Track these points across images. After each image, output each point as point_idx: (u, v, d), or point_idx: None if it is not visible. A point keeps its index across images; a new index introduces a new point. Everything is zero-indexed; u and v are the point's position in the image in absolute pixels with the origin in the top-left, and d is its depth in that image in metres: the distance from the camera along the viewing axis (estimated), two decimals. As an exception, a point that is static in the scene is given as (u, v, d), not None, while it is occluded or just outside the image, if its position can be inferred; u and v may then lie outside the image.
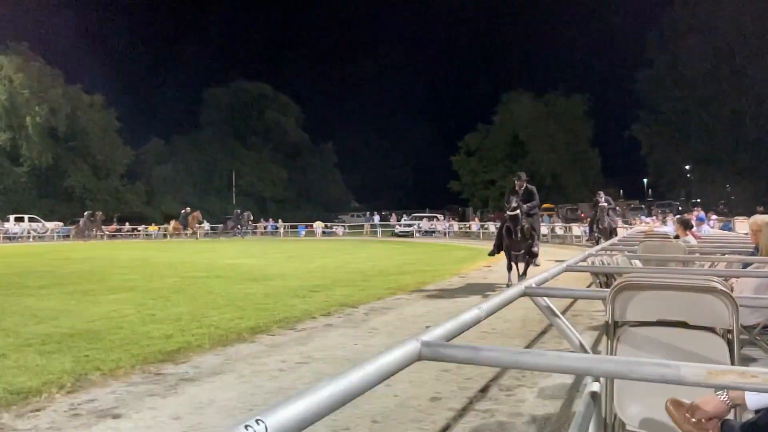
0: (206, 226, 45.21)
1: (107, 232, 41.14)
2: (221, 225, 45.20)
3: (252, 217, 44.38)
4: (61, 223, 43.10)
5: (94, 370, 5.02)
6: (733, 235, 13.52)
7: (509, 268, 11.13)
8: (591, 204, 18.79)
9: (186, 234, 41.51)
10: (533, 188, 11.13)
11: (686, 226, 7.96)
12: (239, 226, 43.09)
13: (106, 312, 8.01)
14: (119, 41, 76.79)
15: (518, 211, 10.44)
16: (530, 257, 10.99)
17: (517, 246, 10.71)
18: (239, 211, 44.61)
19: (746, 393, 1.85)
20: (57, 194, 51.12)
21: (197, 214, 43.30)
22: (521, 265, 11.19)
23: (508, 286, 9.64)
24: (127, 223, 44.40)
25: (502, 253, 11.30)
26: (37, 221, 41.20)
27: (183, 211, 43.62)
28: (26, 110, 48.01)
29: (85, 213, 40.33)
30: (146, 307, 8.42)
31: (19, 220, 40.59)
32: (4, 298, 9.59)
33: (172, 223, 43.67)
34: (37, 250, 26.72)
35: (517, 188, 10.77)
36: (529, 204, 10.73)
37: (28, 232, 39.62)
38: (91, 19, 68.97)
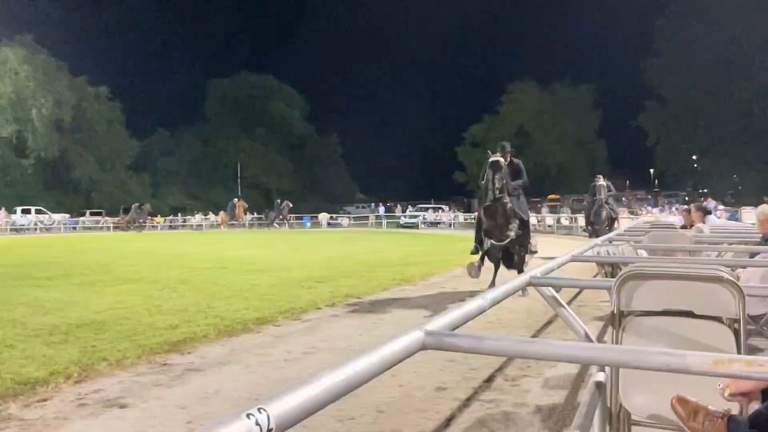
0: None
1: (156, 223, 41.96)
2: (263, 215, 45.64)
3: (291, 206, 44.45)
4: (67, 215, 43.33)
5: (100, 360, 5.05)
6: (740, 225, 13.44)
7: (481, 259, 8.88)
8: (590, 191, 15.56)
9: (235, 223, 42.19)
10: (520, 163, 9.09)
11: (705, 212, 7.95)
12: (280, 217, 43.36)
13: (112, 303, 8.05)
14: (124, 33, 76.69)
15: (504, 197, 8.34)
16: (522, 248, 8.99)
17: (512, 229, 8.44)
18: (279, 201, 44.86)
19: None
20: (63, 186, 51.34)
21: (242, 203, 43.84)
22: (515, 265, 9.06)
23: (476, 263, 8.53)
24: (124, 216, 44.65)
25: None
26: (43, 213, 41.40)
27: (230, 202, 44.23)
28: (32, 102, 48.08)
29: (133, 205, 40.95)
30: (152, 298, 8.45)
31: (26, 212, 40.79)
32: (11, 289, 9.64)
33: (221, 214, 44.21)
34: (43, 241, 26.85)
35: (501, 164, 8.39)
36: (515, 183, 8.79)
37: (35, 224, 39.82)
38: (96, 10, 68.88)
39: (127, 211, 42.11)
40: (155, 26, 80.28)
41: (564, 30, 72.76)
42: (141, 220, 40.33)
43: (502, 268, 9.21)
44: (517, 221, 8.52)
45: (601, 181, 14.78)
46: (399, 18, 77.36)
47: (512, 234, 8.32)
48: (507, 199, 8.44)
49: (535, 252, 9.34)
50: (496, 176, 8.23)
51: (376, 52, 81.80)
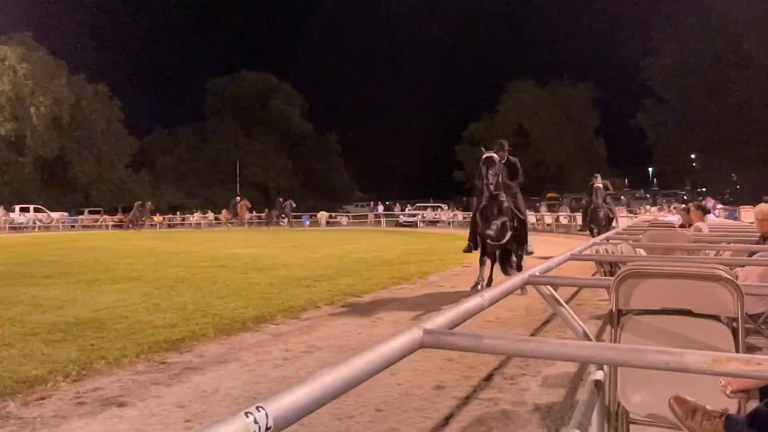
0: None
1: (156, 222, 41.92)
2: (264, 214, 45.66)
3: (294, 205, 44.47)
4: (66, 213, 43.24)
5: (99, 358, 5.05)
6: (738, 223, 13.47)
7: (482, 263, 8.77)
8: (587, 190, 15.82)
9: (234, 223, 42.26)
10: (516, 161, 8.92)
11: (704, 211, 8.04)
12: (283, 215, 43.41)
13: (111, 301, 8.05)
14: (123, 31, 76.61)
15: (499, 191, 8.21)
16: (520, 247, 8.91)
17: (501, 225, 8.25)
18: (281, 199, 44.91)
19: None
20: (62, 184, 51.22)
21: (245, 201, 43.83)
22: (511, 266, 8.99)
23: (476, 286, 8.38)
24: (126, 214, 44.63)
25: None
26: (42, 211, 41.32)
27: (233, 200, 44.28)
28: (30, 100, 47.97)
29: (136, 203, 41.00)
30: (151, 297, 8.45)
31: (25, 210, 40.69)
32: (9, 287, 9.63)
33: (223, 212, 44.31)
34: (42, 240, 26.82)
35: (494, 159, 8.23)
36: (512, 182, 8.68)
37: (34, 222, 39.76)
38: (95, 8, 68.80)
39: (126, 209, 42.09)
40: (154, 24, 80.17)
41: (563, 29, 72.89)
42: (143, 219, 40.34)
43: (498, 271, 9.07)
44: (506, 218, 8.35)
45: (598, 183, 14.70)
46: (398, 16, 77.31)
47: (492, 234, 8.18)
48: (503, 197, 8.33)
49: (531, 253, 9.20)
50: (490, 171, 8.11)
51: (375, 50, 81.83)
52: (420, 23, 79.01)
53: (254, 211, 46.01)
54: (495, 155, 8.28)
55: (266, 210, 46.22)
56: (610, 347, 1.49)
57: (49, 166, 50.68)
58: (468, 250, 9.08)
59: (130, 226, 39.20)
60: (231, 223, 42.99)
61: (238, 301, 8.01)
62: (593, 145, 58.84)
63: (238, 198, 45.18)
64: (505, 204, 8.34)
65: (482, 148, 8.57)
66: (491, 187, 8.12)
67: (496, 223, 8.18)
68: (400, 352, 1.23)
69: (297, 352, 5.43)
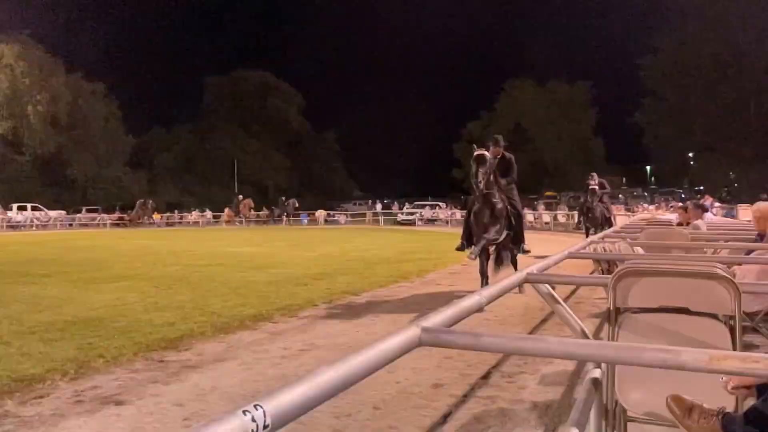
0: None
1: (157, 221, 41.85)
2: (266, 212, 45.76)
3: (297, 205, 44.63)
4: (63, 212, 43.16)
5: (97, 357, 5.05)
6: (736, 222, 13.47)
7: (483, 272, 8.45)
8: (583, 189, 15.81)
9: (238, 221, 42.30)
10: (512, 157, 8.76)
11: (702, 210, 8.09)
12: (285, 214, 43.55)
13: (109, 300, 8.04)
14: (121, 29, 76.41)
15: (493, 189, 8.08)
16: (515, 246, 8.84)
17: (494, 233, 8.14)
18: (284, 198, 45.00)
19: None
20: (59, 183, 51.10)
21: (248, 201, 43.87)
22: (505, 263, 8.93)
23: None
24: (129, 212, 44.59)
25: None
26: (39, 210, 41.24)
27: (235, 199, 44.29)
28: (28, 99, 47.87)
29: (138, 201, 40.93)
30: (149, 295, 8.45)
31: (22, 208, 40.58)
32: (7, 286, 9.62)
33: (226, 210, 44.37)
34: (40, 238, 26.77)
35: (488, 156, 8.04)
36: (506, 179, 8.57)
37: (31, 221, 39.67)
38: (92, 6, 68.62)
39: (124, 208, 42.03)
40: (152, 23, 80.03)
41: (561, 27, 72.94)
42: (146, 217, 40.33)
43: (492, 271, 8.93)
44: (502, 222, 8.20)
45: (594, 184, 14.58)
46: (396, 15, 77.22)
47: (473, 257, 8.11)
48: (496, 197, 8.18)
49: (528, 251, 9.02)
50: (480, 170, 7.91)
51: (373, 48, 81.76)
52: (418, 22, 78.97)
53: (252, 210, 46.02)
54: (486, 153, 8.11)
55: (264, 208, 46.27)
56: (607, 345, 1.49)
57: (47, 165, 50.56)
58: (461, 248, 8.84)
59: (129, 224, 39.25)
60: (236, 221, 43.00)
61: (236, 300, 8.01)
62: (591, 144, 58.87)
63: (240, 196, 45.20)
64: (499, 205, 8.18)
65: (474, 146, 8.34)
66: (481, 185, 7.94)
67: (481, 244, 8.06)
68: (398, 350, 1.23)
69: (295, 351, 5.43)
